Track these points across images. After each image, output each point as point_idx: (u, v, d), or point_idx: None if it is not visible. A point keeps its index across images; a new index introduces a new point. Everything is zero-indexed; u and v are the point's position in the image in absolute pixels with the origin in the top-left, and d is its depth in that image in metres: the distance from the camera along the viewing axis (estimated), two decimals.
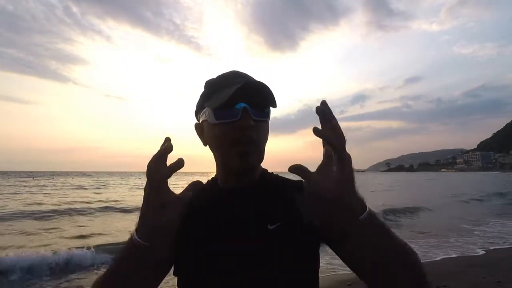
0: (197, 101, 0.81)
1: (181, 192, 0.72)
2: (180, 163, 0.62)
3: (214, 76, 0.79)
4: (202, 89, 0.81)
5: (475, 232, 8.77)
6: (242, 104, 0.69)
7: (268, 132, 0.76)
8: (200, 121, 0.79)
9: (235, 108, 0.69)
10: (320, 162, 0.63)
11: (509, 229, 9.12)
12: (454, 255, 6.48)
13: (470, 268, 5.43)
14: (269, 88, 0.69)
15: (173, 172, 0.62)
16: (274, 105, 0.73)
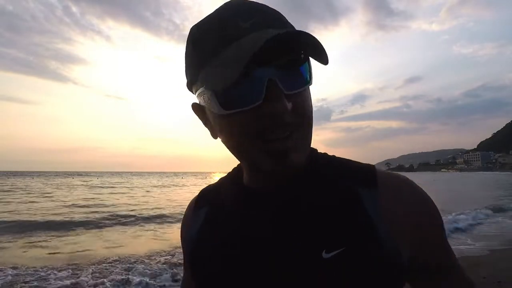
0: (184, 63, 0.51)
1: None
2: None
3: (203, 16, 0.47)
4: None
5: None
6: (264, 74, 0.41)
7: (311, 97, 0.48)
8: (199, 102, 0.50)
9: (254, 81, 0.41)
10: None
11: None
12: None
13: (470, 268, 5.43)
14: (307, 34, 0.41)
15: None
16: (325, 60, 0.44)
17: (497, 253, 6.62)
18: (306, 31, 0.40)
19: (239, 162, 0.56)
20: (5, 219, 10.73)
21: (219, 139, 0.52)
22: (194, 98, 0.50)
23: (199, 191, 0.65)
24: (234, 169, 0.60)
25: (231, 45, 0.40)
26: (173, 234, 9.22)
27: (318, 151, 0.56)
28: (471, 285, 0.53)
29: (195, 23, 0.47)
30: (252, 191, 0.53)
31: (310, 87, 0.45)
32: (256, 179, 0.52)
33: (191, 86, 0.50)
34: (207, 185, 0.66)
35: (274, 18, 0.44)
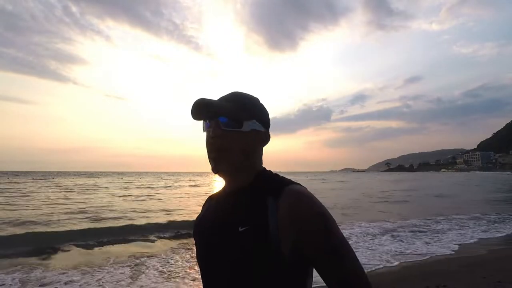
0: None
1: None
2: None
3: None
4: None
5: None
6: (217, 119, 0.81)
7: (250, 141, 0.82)
8: None
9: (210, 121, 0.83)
10: None
11: None
12: (454, 255, 6.50)
13: (470, 268, 5.44)
14: (213, 104, 0.81)
15: None
16: (228, 115, 0.80)
17: (497, 253, 6.62)
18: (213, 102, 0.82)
19: None
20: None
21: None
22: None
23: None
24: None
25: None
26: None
27: (267, 169, 0.88)
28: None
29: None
30: (224, 192, 0.87)
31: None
32: (225, 183, 0.88)
33: None
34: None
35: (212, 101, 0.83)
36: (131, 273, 5.53)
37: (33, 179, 56.55)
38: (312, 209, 0.72)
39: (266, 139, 0.87)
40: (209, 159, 0.82)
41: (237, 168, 0.82)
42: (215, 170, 0.82)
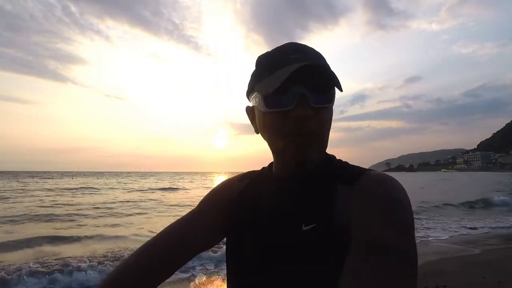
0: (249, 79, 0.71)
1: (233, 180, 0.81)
2: None
3: (267, 51, 0.68)
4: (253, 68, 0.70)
5: None
6: (299, 90, 0.58)
7: (332, 116, 0.65)
8: (252, 105, 0.70)
9: (289, 94, 0.58)
10: None
11: None
12: (454, 254, 6.49)
13: (470, 268, 5.42)
14: (331, 70, 0.59)
15: None
16: (340, 88, 0.59)
17: (497, 253, 6.61)
18: (330, 68, 0.61)
19: (247, 161, 0.76)
20: None
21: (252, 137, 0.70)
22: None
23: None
24: (266, 166, 0.78)
25: (281, 69, 0.60)
26: None
27: (336, 158, 0.71)
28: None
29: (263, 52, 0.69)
30: (277, 178, 0.69)
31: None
32: (278, 167, 0.69)
33: (249, 94, 0.70)
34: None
35: (313, 55, 0.63)
36: None
37: (33, 178, 56.81)
38: (392, 195, 0.54)
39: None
40: (288, 143, 0.61)
41: (319, 154, 0.65)
42: (302, 158, 0.61)
